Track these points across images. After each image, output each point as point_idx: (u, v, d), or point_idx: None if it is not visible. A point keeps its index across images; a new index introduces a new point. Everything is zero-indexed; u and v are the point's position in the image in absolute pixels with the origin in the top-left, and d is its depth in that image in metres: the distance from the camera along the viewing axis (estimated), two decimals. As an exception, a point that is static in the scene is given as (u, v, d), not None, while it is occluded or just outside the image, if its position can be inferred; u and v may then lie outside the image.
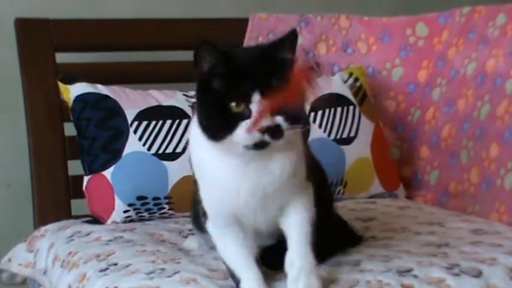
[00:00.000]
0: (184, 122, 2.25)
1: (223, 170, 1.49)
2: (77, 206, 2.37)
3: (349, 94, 2.49)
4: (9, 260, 2.26)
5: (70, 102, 2.28)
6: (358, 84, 2.54)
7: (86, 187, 2.23)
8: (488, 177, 2.26)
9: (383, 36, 2.73)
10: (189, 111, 2.27)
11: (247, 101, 1.41)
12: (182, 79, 2.57)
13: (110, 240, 1.97)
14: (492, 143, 2.26)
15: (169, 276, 1.61)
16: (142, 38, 2.58)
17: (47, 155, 2.37)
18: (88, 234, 2.05)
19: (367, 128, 2.47)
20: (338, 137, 2.40)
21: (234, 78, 1.43)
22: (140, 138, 2.21)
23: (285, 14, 2.69)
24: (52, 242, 2.10)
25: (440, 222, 2.04)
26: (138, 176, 2.19)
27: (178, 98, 2.32)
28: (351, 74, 2.56)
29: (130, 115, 2.24)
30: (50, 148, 2.38)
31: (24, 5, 2.67)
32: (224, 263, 1.57)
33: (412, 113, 2.66)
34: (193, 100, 2.30)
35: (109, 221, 2.17)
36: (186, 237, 1.97)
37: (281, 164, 1.49)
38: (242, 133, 1.41)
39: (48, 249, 2.08)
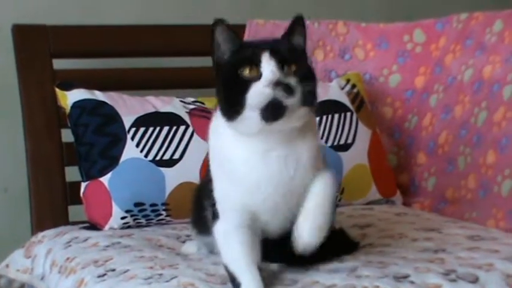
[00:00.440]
0: (182, 128, 2.25)
1: (243, 160, 1.50)
2: (74, 212, 2.37)
3: (346, 101, 2.49)
4: (7, 266, 2.26)
5: (67, 109, 2.28)
6: (355, 90, 2.54)
7: (83, 193, 2.23)
8: (485, 183, 2.26)
9: (380, 42, 2.74)
10: (186, 117, 2.28)
11: (258, 64, 1.45)
12: (180, 85, 2.58)
13: (108, 246, 1.97)
14: (489, 149, 2.27)
15: (167, 282, 1.61)
16: (140, 44, 2.58)
17: (45, 161, 2.37)
18: (86, 240, 2.05)
19: (364, 134, 2.47)
20: (335, 143, 2.40)
21: (246, 48, 1.49)
22: (138, 145, 2.21)
23: (282, 20, 2.70)
24: (49, 247, 2.10)
25: (437, 229, 2.04)
26: (136, 182, 2.19)
27: (176, 104, 2.32)
28: (348, 81, 2.57)
29: (127, 121, 2.24)
30: (48, 154, 2.38)
31: (22, 11, 2.67)
32: (225, 267, 1.56)
33: (409, 119, 2.66)
34: (191, 107, 2.32)
35: (106, 227, 2.17)
36: (184, 242, 1.97)
37: (305, 149, 1.51)
38: (254, 93, 1.43)
39: (45, 255, 2.08)
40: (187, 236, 1.99)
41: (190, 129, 2.26)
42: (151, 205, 2.19)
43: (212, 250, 1.77)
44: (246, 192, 1.51)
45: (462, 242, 1.90)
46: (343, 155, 2.39)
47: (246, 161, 1.50)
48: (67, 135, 2.35)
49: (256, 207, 1.52)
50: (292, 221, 1.53)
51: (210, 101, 2.33)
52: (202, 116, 2.29)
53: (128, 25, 2.62)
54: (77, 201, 2.28)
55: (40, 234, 2.22)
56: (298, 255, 1.53)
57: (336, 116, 2.43)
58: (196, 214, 1.80)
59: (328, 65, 2.71)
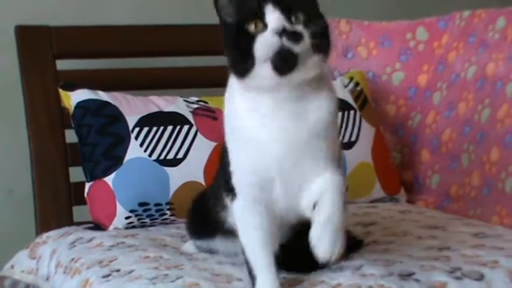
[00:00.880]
0: (186, 128, 2.25)
1: (254, 121, 1.48)
2: (79, 212, 2.38)
3: (349, 99, 2.49)
4: (12, 267, 2.26)
5: (71, 109, 2.28)
6: (358, 88, 2.54)
7: (87, 194, 2.24)
8: (489, 180, 2.26)
9: (383, 40, 2.74)
10: (190, 117, 2.28)
11: (262, 16, 1.42)
12: (183, 85, 2.58)
13: (112, 246, 1.97)
14: (493, 146, 2.27)
15: (172, 282, 1.61)
16: (144, 44, 2.58)
17: (49, 162, 2.38)
18: (90, 240, 2.06)
19: (368, 132, 2.47)
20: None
21: (249, 4, 1.45)
22: (141, 145, 2.21)
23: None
24: (54, 248, 2.10)
25: (442, 226, 2.04)
26: (140, 182, 2.19)
27: (179, 104, 2.32)
28: (351, 79, 2.57)
29: (131, 121, 2.24)
30: (52, 155, 2.38)
31: (25, 12, 2.68)
32: (243, 253, 1.54)
33: (413, 117, 2.66)
34: (195, 106, 2.32)
35: (111, 228, 2.17)
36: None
37: (317, 107, 1.49)
38: (260, 44, 1.41)
39: (50, 256, 2.08)
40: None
41: (194, 129, 2.26)
42: (156, 205, 2.19)
43: (210, 251, 1.80)
44: (257, 154, 1.49)
45: (467, 239, 1.90)
46: (346, 153, 2.39)
47: (256, 121, 1.48)
48: (71, 136, 2.35)
49: (268, 172, 1.50)
50: (303, 204, 1.52)
51: (214, 101, 2.33)
52: (206, 115, 2.29)
53: (130, 25, 2.62)
54: (81, 201, 2.28)
55: (45, 235, 2.22)
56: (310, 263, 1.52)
57: (340, 114, 2.43)
58: (193, 217, 1.81)
59: (331, 64, 2.71)
